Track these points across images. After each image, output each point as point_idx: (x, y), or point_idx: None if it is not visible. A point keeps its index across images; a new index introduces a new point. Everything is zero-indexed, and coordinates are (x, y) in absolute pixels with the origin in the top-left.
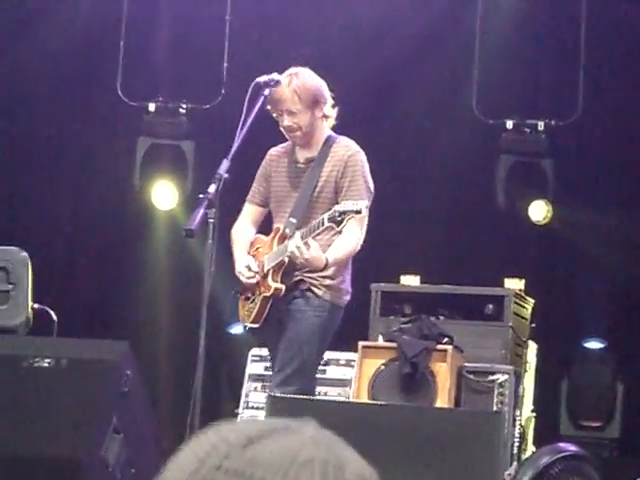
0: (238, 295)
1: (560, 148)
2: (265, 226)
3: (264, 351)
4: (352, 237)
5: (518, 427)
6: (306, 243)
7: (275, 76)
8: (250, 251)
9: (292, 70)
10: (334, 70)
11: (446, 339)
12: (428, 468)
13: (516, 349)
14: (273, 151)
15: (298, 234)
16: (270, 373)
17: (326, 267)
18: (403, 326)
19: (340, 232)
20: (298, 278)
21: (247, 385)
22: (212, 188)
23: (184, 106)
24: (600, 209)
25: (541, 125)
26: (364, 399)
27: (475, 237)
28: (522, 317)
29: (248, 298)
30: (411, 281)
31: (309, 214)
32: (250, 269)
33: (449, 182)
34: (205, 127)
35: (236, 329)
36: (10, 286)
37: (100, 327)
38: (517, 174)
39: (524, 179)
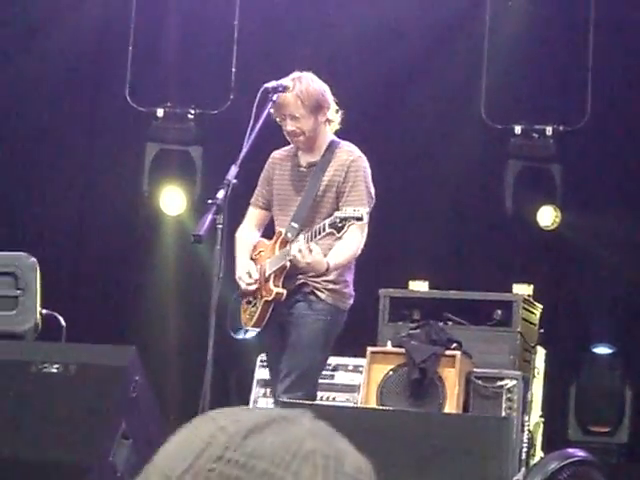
0: (240, 299)
1: (568, 153)
2: (268, 230)
3: None
4: (353, 242)
5: (526, 432)
6: (308, 247)
7: (283, 82)
8: (252, 255)
9: (295, 75)
10: (342, 74)
11: (455, 344)
12: (437, 474)
13: (524, 354)
14: (276, 154)
15: (302, 238)
16: None
17: (327, 271)
18: (411, 331)
19: (340, 238)
20: (301, 281)
21: (255, 390)
22: (220, 194)
23: (192, 112)
24: (608, 214)
25: (549, 130)
26: (372, 405)
27: (483, 242)
28: (530, 322)
29: (250, 302)
30: (420, 287)
31: (311, 218)
32: (250, 275)
33: (457, 187)
34: (213, 133)
35: (238, 334)
36: (19, 291)
37: (108, 332)
38: (525, 179)
39: (532, 184)
